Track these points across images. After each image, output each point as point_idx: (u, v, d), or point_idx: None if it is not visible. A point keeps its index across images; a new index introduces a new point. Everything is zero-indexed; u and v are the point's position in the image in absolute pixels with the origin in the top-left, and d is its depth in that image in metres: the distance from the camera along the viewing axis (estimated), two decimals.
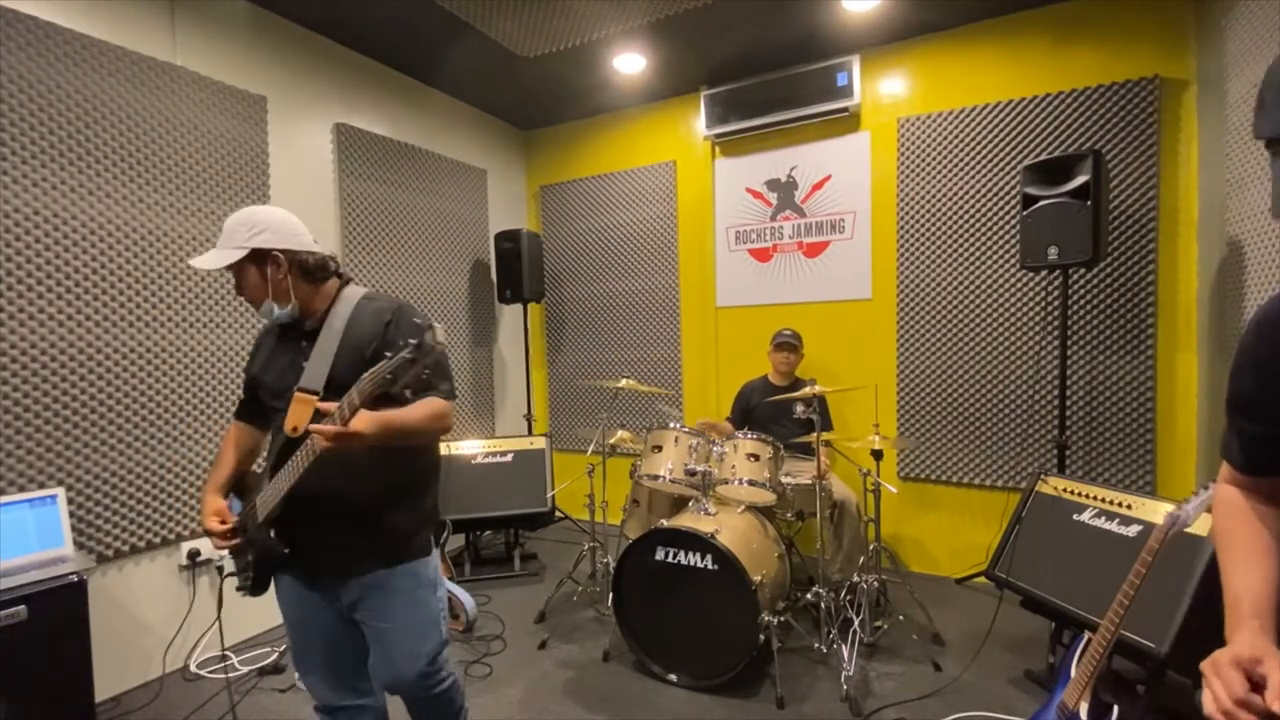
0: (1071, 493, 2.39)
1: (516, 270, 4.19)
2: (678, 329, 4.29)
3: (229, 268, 1.45)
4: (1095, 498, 2.30)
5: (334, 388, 1.37)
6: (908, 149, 3.52)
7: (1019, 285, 3.27)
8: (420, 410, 1.38)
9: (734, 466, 2.67)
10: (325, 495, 1.42)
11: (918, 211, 3.51)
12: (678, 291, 4.28)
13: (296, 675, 1.63)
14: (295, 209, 1.59)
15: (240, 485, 1.63)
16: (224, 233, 1.47)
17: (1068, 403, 3.01)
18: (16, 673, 1.85)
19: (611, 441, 3.22)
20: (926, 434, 3.52)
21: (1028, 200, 2.82)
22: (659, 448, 2.82)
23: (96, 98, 2.41)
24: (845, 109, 3.60)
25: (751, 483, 2.64)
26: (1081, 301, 3.14)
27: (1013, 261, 3.26)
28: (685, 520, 2.52)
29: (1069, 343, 3.04)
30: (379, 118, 3.64)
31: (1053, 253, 2.73)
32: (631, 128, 4.41)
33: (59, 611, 1.97)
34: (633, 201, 4.39)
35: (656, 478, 2.77)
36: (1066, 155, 2.77)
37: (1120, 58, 3.04)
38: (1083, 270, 3.01)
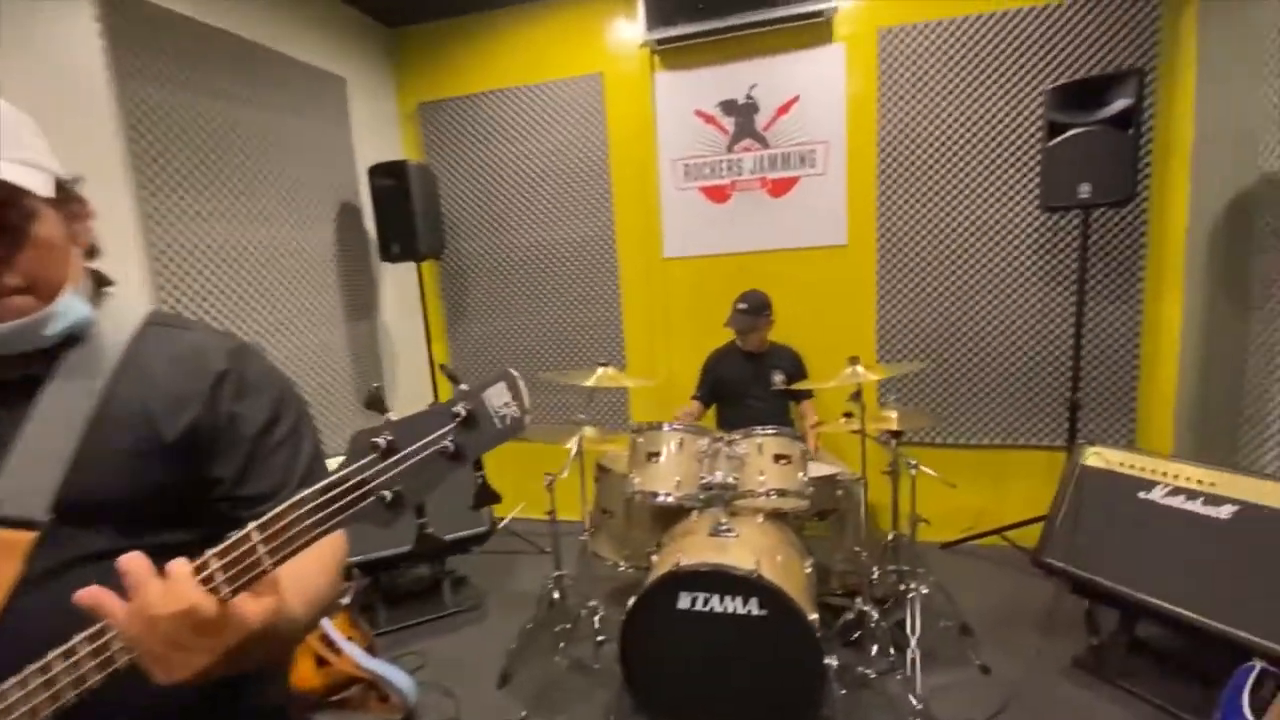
0: (1131, 466, 2.15)
1: (405, 216, 3.16)
2: (616, 286, 3.56)
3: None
4: (1164, 474, 2.06)
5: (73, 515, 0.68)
6: (890, 66, 2.99)
7: (1015, 227, 2.94)
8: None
9: (761, 473, 2.11)
10: None
11: (901, 142, 3.03)
12: (614, 240, 3.52)
13: None
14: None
15: None
16: None
17: (1079, 355, 2.75)
18: None
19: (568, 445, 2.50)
20: (907, 393, 3.20)
21: (1054, 129, 2.44)
22: (655, 454, 2.17)
23: None
24: (820, 12, 2.97)
25: (782, 493, 2.11)
26: (1098, 244, 2.84)
27: (1014, 201, 2.91)
28: (708, 553, 1.93)
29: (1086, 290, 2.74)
30: None
31: (1084, 190, 2.40)
32: (540, 29, 3.44)
33: None
34: (547, 125, 3.49)
35: (660, 495, 2.14)
36: (1104, 75, 2.40)
37: None
38: (1105, 210, 2.70)
